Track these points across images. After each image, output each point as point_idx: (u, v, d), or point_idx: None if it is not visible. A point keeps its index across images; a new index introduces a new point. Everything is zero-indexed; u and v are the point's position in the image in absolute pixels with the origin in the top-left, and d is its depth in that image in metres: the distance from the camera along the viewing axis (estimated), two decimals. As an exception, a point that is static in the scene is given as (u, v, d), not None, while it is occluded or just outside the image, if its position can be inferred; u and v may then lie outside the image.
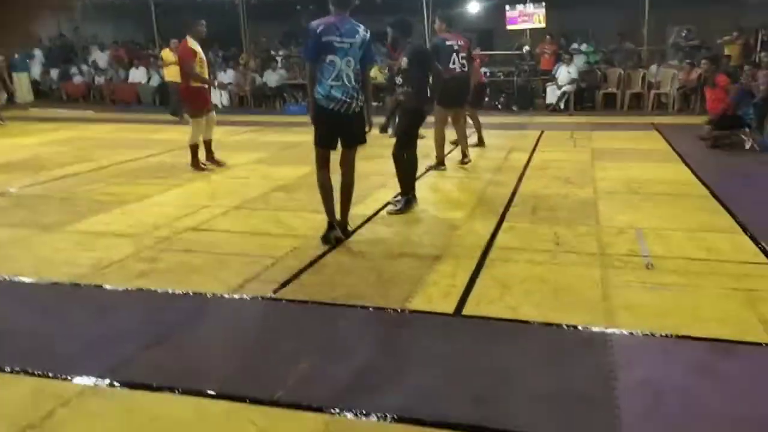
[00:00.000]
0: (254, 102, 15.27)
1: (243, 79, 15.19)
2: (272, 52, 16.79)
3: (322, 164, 4.46)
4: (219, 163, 7.40)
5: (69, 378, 2.69)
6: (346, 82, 4.24)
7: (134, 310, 3.49)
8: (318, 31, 4.19)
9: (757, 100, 9.00)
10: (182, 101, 7.07)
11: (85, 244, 4.52)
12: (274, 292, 3.61)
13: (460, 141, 7.43)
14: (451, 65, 6.85)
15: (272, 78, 15.31)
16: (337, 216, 4.54)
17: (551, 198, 5.67)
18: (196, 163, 7.20)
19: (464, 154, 7.31)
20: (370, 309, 3.37)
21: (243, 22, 16.11)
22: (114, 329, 3.19)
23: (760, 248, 4.18)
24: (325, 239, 4.44)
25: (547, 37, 14.58)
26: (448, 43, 6.89)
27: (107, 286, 3.73)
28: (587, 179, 6.41)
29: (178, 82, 12.78)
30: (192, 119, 7.14)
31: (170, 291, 3.65)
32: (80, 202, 5.76)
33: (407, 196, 5.31)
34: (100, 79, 16.81)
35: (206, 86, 7.18)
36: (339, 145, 4.49)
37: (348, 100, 4.26)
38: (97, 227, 4.95)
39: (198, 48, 6.95)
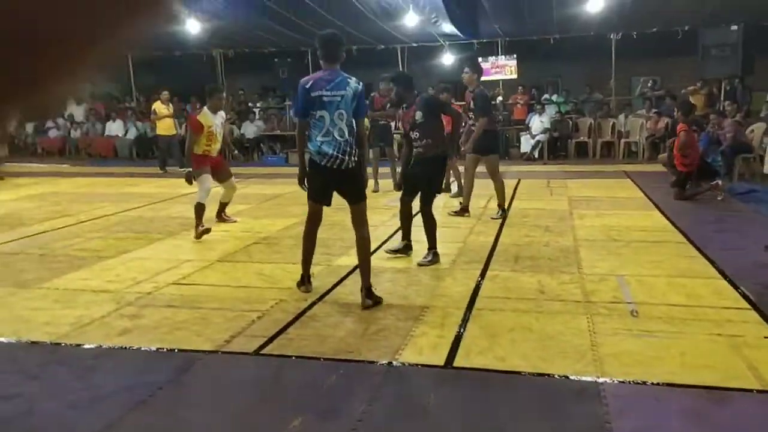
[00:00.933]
0: (232, 153, 15.31)
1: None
2: (250, 104, 16.96)
3: (310, 219, 4.36)
4: (228, 220, 7.11)
5: (52, 443, 2.60)
6: (338, 137, 4.08)
7: (118, 369, 3.40)
8: (306, 86, 4.10)
9: (725, 148, 9.32)
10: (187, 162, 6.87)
11: (65, 302, 4.42)
12: (262, 347, 3.56)
13: (468, 189, 7.34)
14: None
15: (250, 129, 15.45)
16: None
17: (533, 246, 5.73)
18: (197, 225, 6.38)
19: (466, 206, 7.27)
20: (361, 363, 3.34)
21: (221, 75, 16.31)
22: (98, 390, 3.11)
23: (740, 293, 4.26)
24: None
25: (519, 88, 15.03)
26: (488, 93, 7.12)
27: (89, 345, 3.65)
28: (566, 227, 6.51)
29: (169, 135, 13.00)
30: (195, 180, 6.58)
31: (154, 348, 3.58)
32: (59, 258, 5.66)
33: (434, 249, 5.26)
34: (76, 133, 16.76)
35: (212, 154, 6.68)
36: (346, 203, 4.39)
37: (340, 155, 4.09)
38: (76, 284, 4.86)
39: (210, 120, 6.53)
